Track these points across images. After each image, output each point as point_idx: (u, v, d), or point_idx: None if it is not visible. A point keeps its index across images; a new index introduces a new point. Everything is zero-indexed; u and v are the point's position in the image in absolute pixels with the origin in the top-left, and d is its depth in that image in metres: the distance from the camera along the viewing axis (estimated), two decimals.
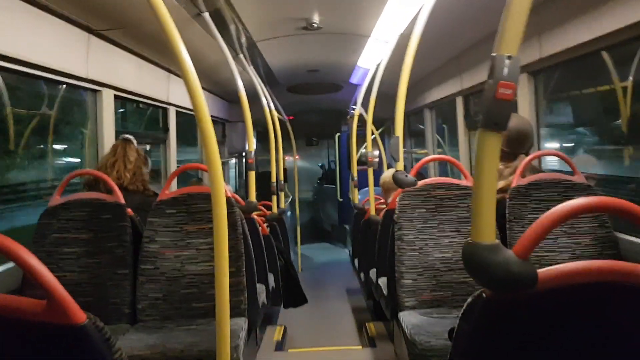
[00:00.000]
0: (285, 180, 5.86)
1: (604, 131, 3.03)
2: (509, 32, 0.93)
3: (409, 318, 2.24)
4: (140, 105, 3.82)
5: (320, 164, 11.23)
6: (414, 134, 6.72)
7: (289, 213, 7.14)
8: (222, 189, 1.53)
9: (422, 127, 5.83)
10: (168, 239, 2.43)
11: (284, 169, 6.31)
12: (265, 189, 4.89)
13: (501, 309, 0.93)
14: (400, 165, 2.52)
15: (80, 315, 0.89)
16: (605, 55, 2.52)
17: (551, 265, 0.91)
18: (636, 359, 0.97)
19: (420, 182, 2.49)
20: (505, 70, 0.91)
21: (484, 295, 0.93)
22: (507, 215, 2.34)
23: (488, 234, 0.94)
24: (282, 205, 5.33)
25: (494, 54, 0.93)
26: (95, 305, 2.31)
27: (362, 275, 4.50)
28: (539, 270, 0.89)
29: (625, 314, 0.95)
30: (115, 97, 3.14)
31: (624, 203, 0.92)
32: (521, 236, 0.91)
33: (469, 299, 0.97)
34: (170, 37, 1.46)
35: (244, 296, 2.38)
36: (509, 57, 0.92)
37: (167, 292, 2.38)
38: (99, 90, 2.98)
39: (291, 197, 7.47)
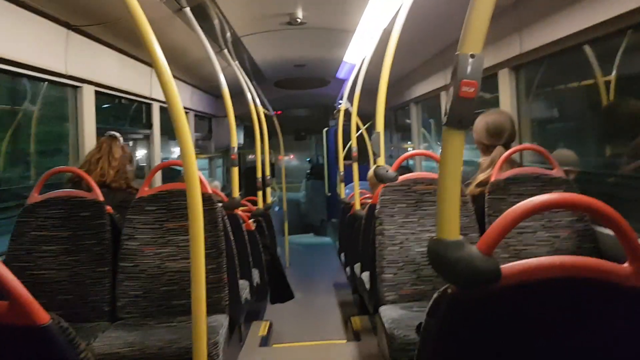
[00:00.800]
0: (272, 175, 5.85)
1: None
2: (472, 31, 0.93)
3: (389, 312, 2.25)
4: (123, 101, 3.78)
5: (308, 159, 11.23)
6: (401, 129, 6.73)
7: (277, 208, 7.14)
8: (197, 185, 1.52)
9: (408, 121, 5.84)
10: (148, 236, 2.42)
11: (271, 164, 6.31)
12: (252, 184, 4.88)
13: (466, 305, 0.94)
14: (381, 160, 2.52)
15: (43, 316, 0.88)
16: (587, 49, 2.54)
17: (529, 259, 0.92)
18: (601, 353, 0.98)
19: (401, 177, 2.50)
20: (468, 69, 0.92)
21: (449, 291, 0.94)
22: (486, 209, 2.35)
23: (452, 230, 0.95)
24: (269, 200, 5.32)
25: (457, 53, 0.93)
26: (74, 303, 2.30)
27: (348, 269, 4.52)
28: (503, 266, 0.90)
29: (590, 308, 0.96)
30: (96, 93, 3.11)
31: (588, 199, 0.93)
32: (485, 232, 0.92)
33: (435, 295, 0.98)
34: (141, 29, 1.45)
35: (225, 293, 2.37)
36: (472, 56, 0.92)
37: (147, 289, 2.37)
38: (79, 87, 2.95)
39: (279, 192, 7.47)
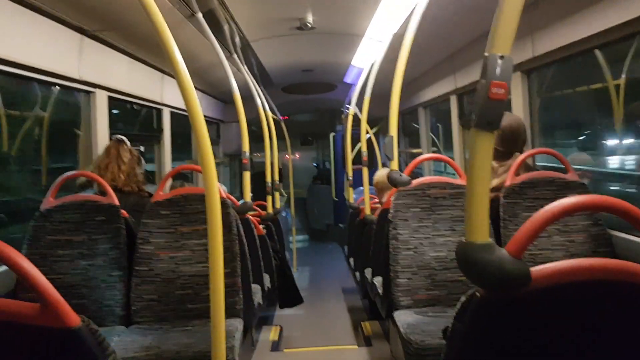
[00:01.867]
0: (280, 180, 5.85)
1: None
2: (501, 32, 0.93)
3: (404, 317, 2.24)
4: (134, 106, 3.80)
5: (315, 164, 11.22)
6: (409, 133, 6.73)
7: (284, 213, 7.13)
8: (216, 190, 1.53)
9: (416, 126, 5.84)
10: (162, 240, 2.43)
11: (279, 169, 6.31)
12: (260, 189, 4.88)
13: (495, 308, 0.93)
14: (394, 165, 2.52)
15: (74, 319, 0.89)
16: (598, 53, 2.54)
17: (545, 263, 0.91)
18: (630, 355, 0.98)
19: (415, 182, 2.50)
20: (498, 70, 0.92)
21: (477, 294, 0.93)
22: (501, 213, 2.34)
23: (481, 233, 0.94)
24: (277, 205, 5.32)
25: (486, 54, 0.93)
26: (89, 307, 2.31)
27: (357, 274, 4.51)
28: (532, 269, 0.90)
29: (618, 311, 0.95)
30: (109, 98, 3.12)
31: (617, 201, 0.93)
32: (514, 235, 0.91)
33: (463, 298, 0.97)
34: (163, 38, 1.45)
35: (239, 297, 2.37)
36: (502, 57, 0.92)
37: (162, 293, 2.38)
38: (92, 92, 2.97)
39: (286, 196, 7.46)
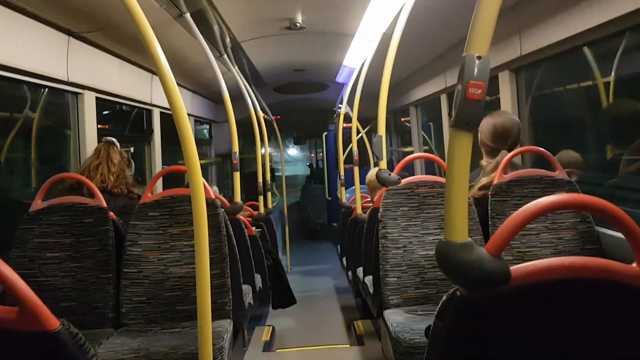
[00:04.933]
0: (272, 180, 5.86)
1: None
2: (478, 33, 0.93)
3: (393, 316, 2.25)
4: (124, 107, 3.79)
5: (308, 163, 11.22)
6: (401, 132, 6.74)
7: (277, 214, 7.13)
8: (202, 191, 1.53)
9: (408, 125, 5.85)
10: (151, 242, 2.42)
11: (272, 169, 6.31)
12: (253, 190, 4.88)
13: (475, 307, 0.94)
14: (383, 164, 2.52)
15: (53, 322, 0.88)
16: (587, 51, 2.55)
17: (533, 260, 0.92)
18: (610, 353, 0.98)
19: (404, 180, 2.50)
20: (475, 71, 0.92)
21: (458, 293, 0.94)
22: (489, 211, 2.35)
23: (461, 232, 0.95)
24: (270, 205, 5.32)
25: (464, 54, 0.94)
26: (78, 310, 2.30)
27: (350, 273, 4.52)
28: (512, 267, 0.90)
29: (598, 308, 0.96)
30: (97, 99, 3.11)
31: (596, 200, 0.93)
32: (493, 234, 0.92)
33: (444, 297, 0.98)
34: (146, 37, 1.45)
35: (229, 298, 2.37)
36: (479, 57, 0.93)
37: (151, 295, 2.37)
38: (80, 93, 2.96)
39: (279, 197, 7.46)
